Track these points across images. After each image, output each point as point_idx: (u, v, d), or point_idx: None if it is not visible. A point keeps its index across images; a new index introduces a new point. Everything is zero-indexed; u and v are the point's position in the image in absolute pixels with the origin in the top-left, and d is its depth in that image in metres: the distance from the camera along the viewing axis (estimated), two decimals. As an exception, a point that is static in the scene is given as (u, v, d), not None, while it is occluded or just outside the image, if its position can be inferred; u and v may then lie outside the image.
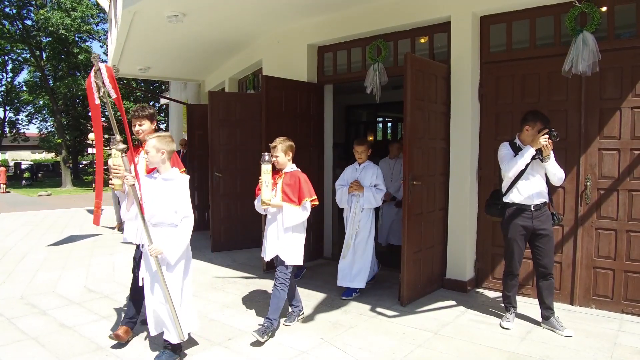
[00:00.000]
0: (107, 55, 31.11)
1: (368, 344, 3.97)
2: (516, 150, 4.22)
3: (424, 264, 5.13)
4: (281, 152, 4.22)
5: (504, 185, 4.32)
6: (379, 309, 4.79)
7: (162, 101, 19.07)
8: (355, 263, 5.33)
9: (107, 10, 11.06)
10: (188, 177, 3.68)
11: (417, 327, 4.30)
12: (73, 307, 5.10)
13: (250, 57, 8.26)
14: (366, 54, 6.32)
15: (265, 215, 4.38)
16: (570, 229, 4.88)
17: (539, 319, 4.36)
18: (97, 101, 3.49)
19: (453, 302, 4.97)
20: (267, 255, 4.27)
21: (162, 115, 32.08)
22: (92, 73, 3.42)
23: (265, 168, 3.94)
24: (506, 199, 4.29)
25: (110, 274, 6.48)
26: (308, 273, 6.27)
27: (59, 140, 29.46)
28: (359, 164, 5.45)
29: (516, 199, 4.22)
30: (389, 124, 15.83)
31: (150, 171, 3.82)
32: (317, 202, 4.22)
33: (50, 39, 28.41)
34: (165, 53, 8.73)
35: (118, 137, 3.47)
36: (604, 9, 4.67)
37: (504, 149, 4.29)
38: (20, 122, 35.61)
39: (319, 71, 6.94)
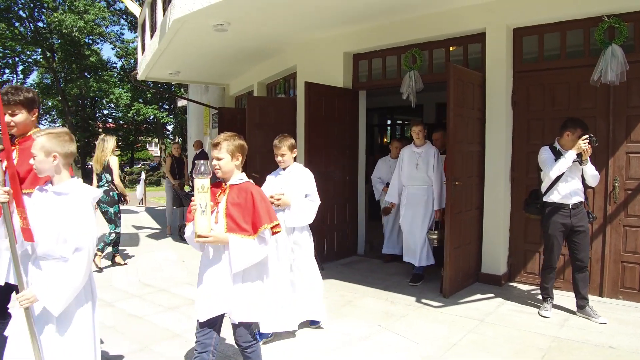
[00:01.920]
0: (117, 57, 31.63)
1: (422, 330, 4.36)
2: (556, 153, 4.59)
3: (463, 259, 5.51)
4: (226, 152, 2.89)
5: (544, 186, 4.69)
6: (424, 300, 5.18)
7: (180, 103, 19.42)
8: (301, 298, 4.29)
9: (137, 16, 11.45)
10: (98, 191, 2.74)
11: (463, 316, 4.69)
12: (135, 299, 5.48)
13: (283, 63, 8.64)
14: (401, 62, 6.70)
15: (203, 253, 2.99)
16: (600, 226, 5.26)
17: (573, 308, 4.74)
18: None
19: (491, 295, 5.35)
20: (205, 312, 2.85)
21: (172, 116, 32.48)
22: None
23: (201, 184, 2.64)
24: (546, 199, 4.67)
25: (158, 269, 6.87)
26: (346, 270, 6.63)
27: (70, 141, 29.74)
28: (283, 169, 4.32)
29: (556, 198, 4.60)
30: (397, 127, 16.22)
31: (25, 181, 2.92)
32: (280, 229, 2.95)
33: (61, 41, 28.76)
34: (198, 58, 9.09)
35: None
36: (630, 23, 5.05)
37: (545, 153, 4.66)
38: (29, 122, 35.94)
39: (354, 77, 7.34)
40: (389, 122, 15.89)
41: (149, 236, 9.70)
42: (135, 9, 11.59)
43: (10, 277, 2.94)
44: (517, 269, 5.81)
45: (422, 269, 6.01)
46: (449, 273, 5.21)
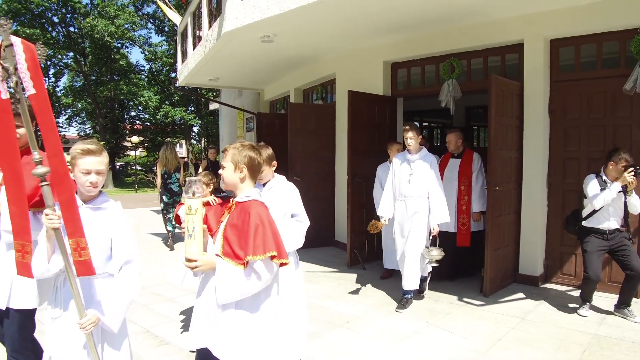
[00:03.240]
0: (146, 60, 32.36)
1: (468, 326, 4.66)
2: (601, 183, 4.78)
3: (502, 260, 5.78)
4: (230, 161, 2.55)
5: (586, 212, 4.89)
6: (465, 299, 5.48)
7: (212, 106, 19.92)
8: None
9: (177, 25, 11.90)
10: (119, 203, 2.60)
11: (505, 314, 4.98)
12: (194, 295, 5.85)
13: (321, 70, 9.00)
14: (440, 71, 6.99)
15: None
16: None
17: (609, 308, 4.99)
18: (4, 95, 2.22)
19: (529, 294, 5.60)
20: (192, 341, 2.67)
21: (198, 117, 33.13)
22: None
23: (189, 205, 2.41)
24: (587, 224, 4.88)
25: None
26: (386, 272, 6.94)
27: (102, 143, 30.65)
28: (263, 185, 3.60)
29: (596, 224, 4.83)
30: (427, 130, 16.51)
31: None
32: (287, 261, 2.46)
33: (91, 45, 29.61)
34: (240, 66, 9.50)
35: (37, 155, 2.28)
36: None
37: (591, 183, 4.81)
38: (60, 124, 37.05)
39: (392, 85, 7.66)
40: (417, 124, 16.24)
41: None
42: (175, 17, 12.05)
43: (10, 302, 2.82)
44: (553, 270, 6.06)
45: (411, 292, 5.36)
46: (489, 274, 5.50)
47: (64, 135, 37.82)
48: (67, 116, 37.47)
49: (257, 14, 6.13)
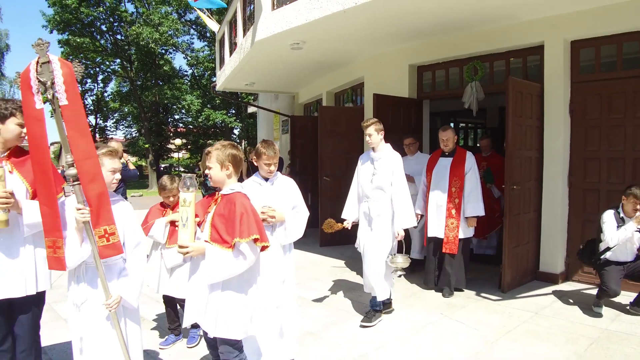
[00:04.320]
0: (188, 65, 33.35)
1: (481, 319, 4.87)
2: (618, 219, 4.88)
3: (521, 257, 5.93)
4: (216, 162, 2.89)
5: (602, 246, 4.98)
6: (483, 294, 5.66)
7: (250, 109, 20.55)
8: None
9: (216, 32, 12.44)
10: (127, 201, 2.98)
11: (520, 309, 5.14)
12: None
13: (350, 74, 9.30)
14: (464, 73, 7.18)
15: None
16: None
17: (627, 305, 5.08)
18: (39, 105, 2.53)
19: (547, 291, 5.74)
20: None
21: (239, 120, 33.93)
22: (33, 66, 2.49)
23: (184, 198, 2.77)
24: (602, 257, 4.98)
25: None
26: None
27: (147, 145, 31.90)
28: (266, 180, 3.80)
29: (612, 258, 4.94)
30: (461, 130, 16.54)
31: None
32: (267, 244, 2.80)
33: (137, 52, 30.89)
34: (273, 71, 9.92)
35: (69, 158, 2.61)
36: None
37: (609, 220, 4.89)
38: (108, 128, 38.78)
39: (418, 88, 7.88)
40: (452, 125, 16.29)
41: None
42: (213, 25, 12.60)
43: (40, 285, 3.07)
44: (574, 268, 6.15)
45: (381, 304, 4.97)
46: (507, 270, 5.66)
47: (112, 138, 39.54)
48: (114, 120, 39.20)
49: (286, 24, 6.49)
